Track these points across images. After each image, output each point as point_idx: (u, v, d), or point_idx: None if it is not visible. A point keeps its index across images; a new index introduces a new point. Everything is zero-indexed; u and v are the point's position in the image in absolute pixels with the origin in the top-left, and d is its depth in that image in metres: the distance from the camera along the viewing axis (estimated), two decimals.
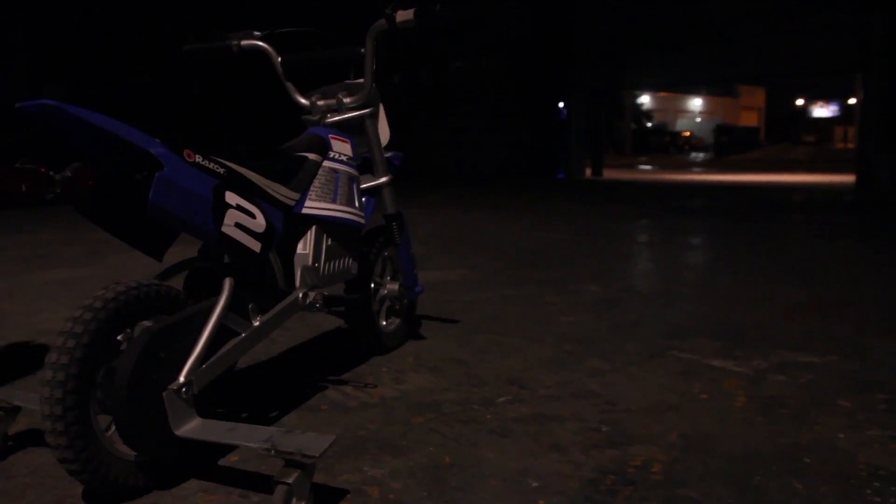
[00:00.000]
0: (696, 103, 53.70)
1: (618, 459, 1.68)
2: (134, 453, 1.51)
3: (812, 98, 54.11)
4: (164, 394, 1.49)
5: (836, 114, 52.91)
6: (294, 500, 1.39)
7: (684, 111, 53.38)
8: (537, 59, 15.46)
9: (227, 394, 2.12)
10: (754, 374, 2.31)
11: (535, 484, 1.56)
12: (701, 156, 39.37)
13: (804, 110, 55.44)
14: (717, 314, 3.17)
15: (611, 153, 34.11)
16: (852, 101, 20.11)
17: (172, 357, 1.53)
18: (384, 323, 2.54)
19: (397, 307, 2.60)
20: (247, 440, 1.47)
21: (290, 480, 1.38)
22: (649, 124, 49.01)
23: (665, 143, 43.56)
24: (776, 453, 1.71)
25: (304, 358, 2.50)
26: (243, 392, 2.15)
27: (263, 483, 1.56)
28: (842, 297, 3.56)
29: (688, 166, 27.09)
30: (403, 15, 2.12)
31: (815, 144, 45.81)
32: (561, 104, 15.53)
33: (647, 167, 25.53)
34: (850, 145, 31.16)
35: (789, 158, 32.70)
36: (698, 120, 52.39)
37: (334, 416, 1.95)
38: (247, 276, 1.81)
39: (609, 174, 17.05)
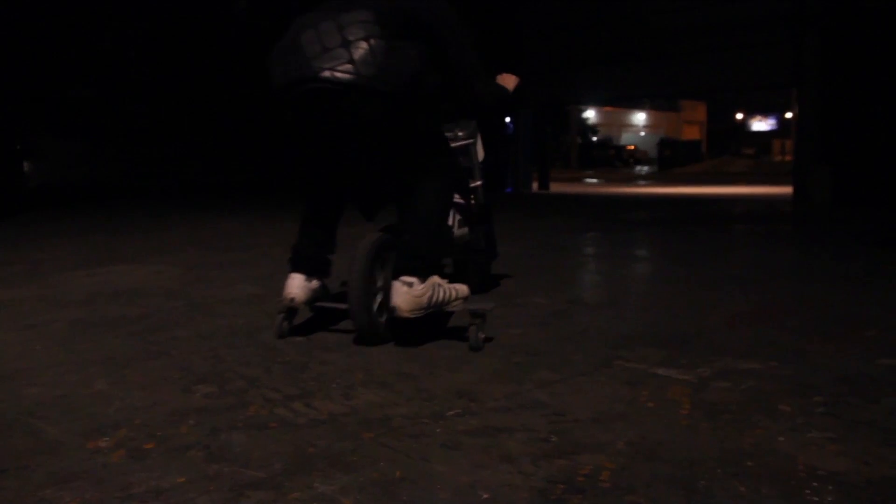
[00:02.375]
0: (639, 118, 54.71)
1: (567, 469, 1.70)
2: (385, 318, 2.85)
3: (751, 112, 55.58)
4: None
5: (774, 127, 54.42)
6: (480, 333, 2.76)
7: (628, 125, 54.33)
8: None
9: (178, 414, 2.09)
10: (698, 381, 2.36)
11: (485, 495, 1.57)
12: (645, 169, 40.12)
13: (744, 124, 56.88)
14: (662, 324, 3.23)
15: (557, 167, 34.53)
16: (789, 115, 20.74)
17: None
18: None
19: (481, 264, 3.84)
20: (449, 308, 2.86)
21: (477, 322, 2.78)
22: (595, 138, 49.75)
23: (610, 157, 44.28)
24: (720, 457, 1.75)
25: (252, 376, 2.47)
26: (192, 409, 2.11)
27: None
28: (781, 304, 3.66)
29: (632, 179, 27.59)
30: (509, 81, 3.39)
31: (755, 157, 47.03)
32: (508, 119, 15.68)
33: (593, 180, 25.90)
34: (788, 158, 32.04)
35: (730, 171, 33.53)
36: (642, 134, 53.38)
37: (283, 434, 1.93)
38: None
39: (556, 188, 17.25)
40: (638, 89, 15.91)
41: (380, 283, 2.86)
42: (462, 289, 2.91)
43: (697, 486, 1.60)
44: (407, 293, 2.68)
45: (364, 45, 2.55)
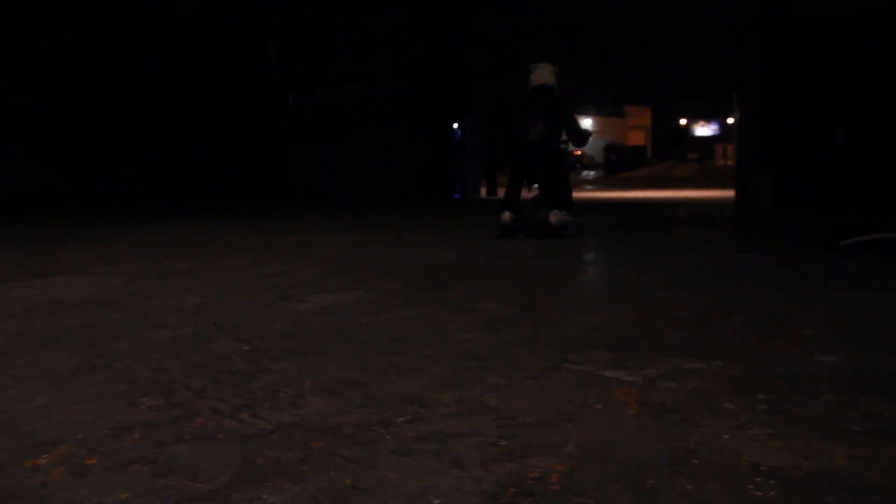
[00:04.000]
0: (585, 123, 55.31)
1: (517, 472, 1.71)
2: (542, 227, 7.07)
3: (694, 118, 56.67)
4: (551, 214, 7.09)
5: (716, 132, 55.62)
6: (568, 231, 7.12)
7: None
8: (432, 80, 15.63)
9: (122, 428, 2.04)
10: (645, 382, 2.39)
11: (436, 501, 1.57)
12: (592, 174, 40.62)
13: (687, 129, 57.97)
14: (609, 326, 3.27)
15: (505, 172, 34.68)
16: (731, 120, 21.31)
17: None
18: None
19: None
20: (566, 224, 7.08)
21: (576, 224, 7.51)
22: None
23: None
24: (667, 457, 1.78)
25: (198, 387, 2.43)
26: (136, 423, 2.07)
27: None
28: (725, 305, 3.73)
29: (579, 184, 27.87)
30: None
31: (698, 161, 47.97)
32: (455, 125, 15.73)
33: None
34: (730, 162, 32.72)
35: (675, 175, 34.14)
36: None
37: (231, 445, 1.90)
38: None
39: (504, 193, 17.33)
40: (583, 95, 16.11)
41: (541, 214, 7.09)
42: (570, 216, 7.12)
43: (646, 486, 1.62)
44: (555, 216, 6.90)
45: (544, 128, 7.05)
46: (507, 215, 7.13)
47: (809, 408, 2.13)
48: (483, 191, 16.60)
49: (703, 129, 57.20)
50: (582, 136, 7.31)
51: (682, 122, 57.35)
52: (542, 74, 7.33)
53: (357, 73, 17.26)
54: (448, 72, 15.55)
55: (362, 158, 16.82)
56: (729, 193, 13.21)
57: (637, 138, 54.77)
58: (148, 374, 2.59)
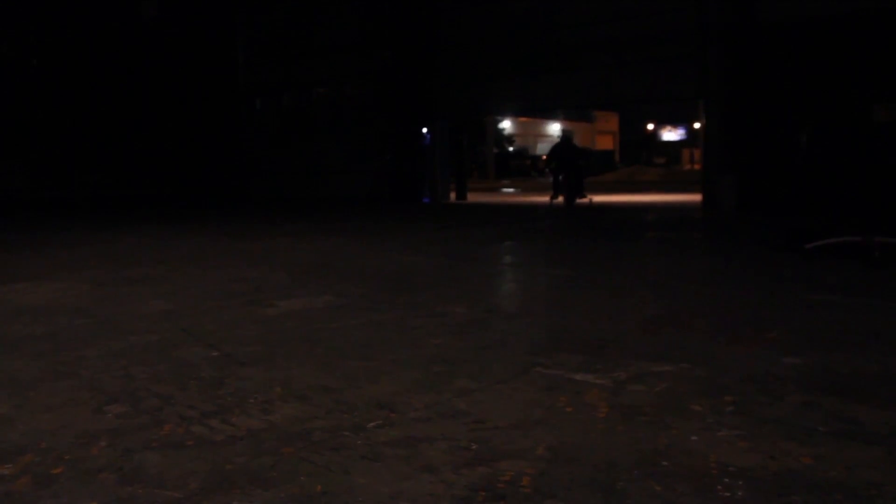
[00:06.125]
0: (554, 128, 55.62)
1: (488, 476, 1.71)
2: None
3: (661, 123, 57.17)
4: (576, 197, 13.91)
5: (683, 137, 56.18)
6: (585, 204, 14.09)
7: (544, 135, 55.18)
8: (400, 86, 15.62)
9: (89, 436, 2.01)
10: (614, 385, 2.41)
11: None
12: (560, 178, 40.80)
13: (654, 134, 58.49)
14: (578, 330, 3.29)
15: (474, 177, 34.81)
16: (697, 125, 21.56)
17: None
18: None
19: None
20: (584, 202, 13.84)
21: (589, 202, 14.15)
22: (511, 148, 50.36)
23: (526, 167, 44.87)
24: (637, 458, 1.79)
25: (166, 393, 2.40)
26: (103, 430, 2.04)
27: None
28: (692, 308, 3.78)
29: (548, 188, 28.01)
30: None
31: (666, 166, 48.40)
32: (424, 130, 15.73)
33: (510, 190, 26.20)
34: (697, 166, 33.11)
35: (642, 179, 34.41)
36: None
37: (200, 452, 1.89)
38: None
39: (473, 197, 17.38)
40: (551, 100, 16.21)
41: (575, 196, 13.96)
42: (586, 197, 14.03)
43: (615, 488, 1.63)
44: (578, 198, 13.93)
45: (570, 152, 14.51)
46: (554, 197, 14.19)
47: (775, 408, 2.16)
48: (452, 195, 16.61)
49: (670, 134, 57.76)
50: (587, 155, 15.09)
51: (650, 126, 57.89)
52: (569, 132, 16.03)
53: (325, 78, 17.21)
54: (417, 77, 15.56)
55: (330, 163, 16.76)
56: (696, 197, 13.36)
57: (605, 143, 55.16)
58: (114, 381, 2.56)
